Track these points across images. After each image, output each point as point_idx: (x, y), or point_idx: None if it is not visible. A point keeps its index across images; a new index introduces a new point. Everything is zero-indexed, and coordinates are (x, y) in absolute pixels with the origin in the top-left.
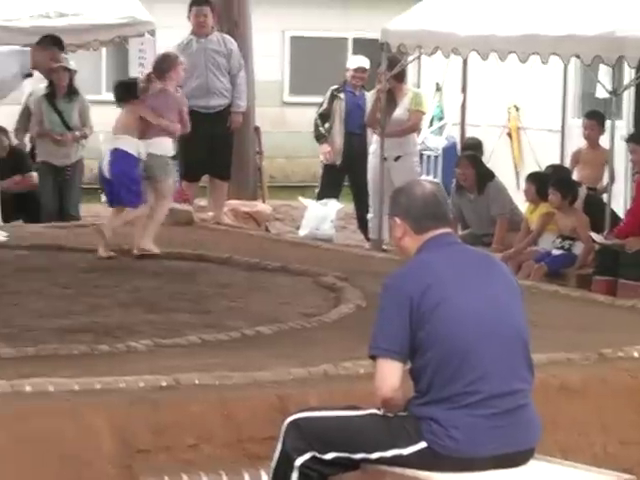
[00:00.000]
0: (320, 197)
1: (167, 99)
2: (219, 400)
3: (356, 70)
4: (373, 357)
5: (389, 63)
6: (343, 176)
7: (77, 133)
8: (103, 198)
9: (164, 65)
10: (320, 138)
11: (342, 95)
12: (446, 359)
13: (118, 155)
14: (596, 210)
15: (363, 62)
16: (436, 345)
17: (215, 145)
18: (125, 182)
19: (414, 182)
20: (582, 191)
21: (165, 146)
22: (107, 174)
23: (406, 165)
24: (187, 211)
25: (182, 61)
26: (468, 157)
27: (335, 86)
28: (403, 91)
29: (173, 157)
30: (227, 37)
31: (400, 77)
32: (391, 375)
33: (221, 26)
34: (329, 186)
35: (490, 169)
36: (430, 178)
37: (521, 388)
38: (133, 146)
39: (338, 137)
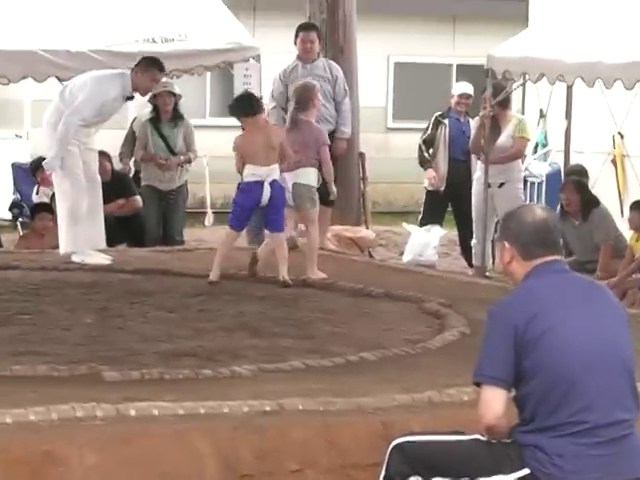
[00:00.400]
0: (423, 223)
1: (311, 132)
2: (323, 426)
3: (460, 96)
4: (478, 384)
5: (494, 89)
6: (446, 202)
7: (181, 157)
8: (206, 222)
9: (305, 95)
10: (424, 163)
11: (446, 121)
12: (551, 388)
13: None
14: None
15: (467, 88)
16: (541, 374)
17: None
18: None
19: (526, 207)
20: None
21: (311, 176)
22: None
23: (510, 192)
24: (290, 237)
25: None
26: (573, 182)
27: (439, 112)
28: (507, 117)
29: None
30: (333, 63)
31: (504, 104)
32: (495, 403)
33: (326, 51)
34: (432, 212)
35: (595, 195)
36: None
37: (626, 418)
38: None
39: (442, 163)
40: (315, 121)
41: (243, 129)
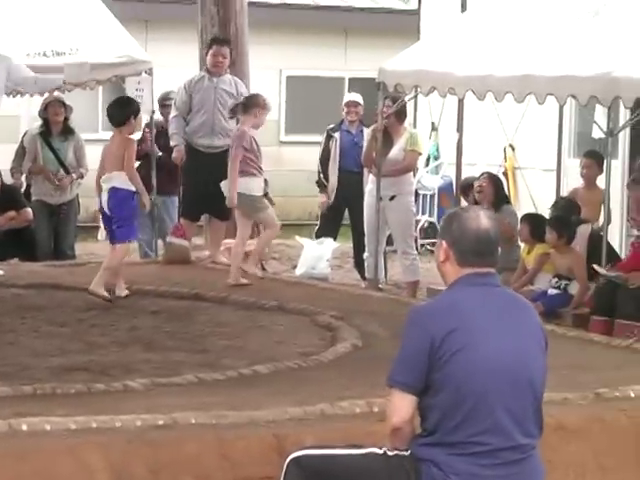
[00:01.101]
0: (319, 235)
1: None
2: (216, 439)
3: (347, 104)
4: (390, 386)
5: (392, 102)
6: (341, 214)
7: (74, 175)
8: (99, 236)
9: (251, 101)
10: (320, 186)
11: (337, 134)
12: (456, 405)
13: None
14: (600, 247)
15: (355, 97)
16: (449, 389)
17: (216, 185)
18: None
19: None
20: (586, 228)
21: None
22: None
23: (401, 204)
24: (184, 246)
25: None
26: (489, 174)
27: (331, 125)
28: (400, 131)
29: None
30: (239, 80)
31: (400, 116)
32: (403, 407)
33: None
34: (328, 225)
35: (506, 193)
36: (426, 217)
37: (528, 443)
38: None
39: (332, 176)
40: (212, 133)
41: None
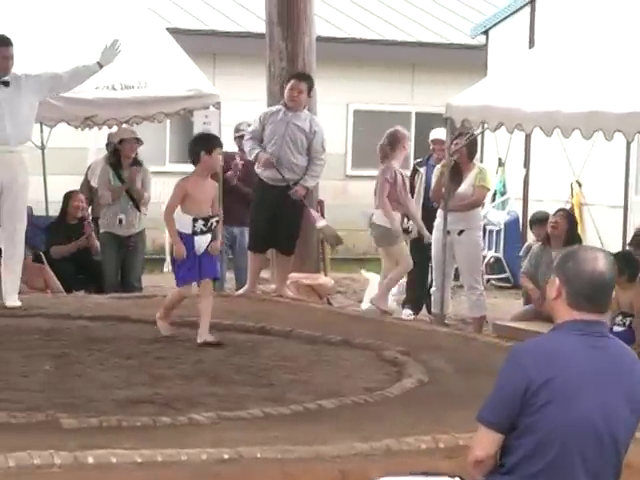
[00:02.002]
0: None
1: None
2: (281, 474)
3: (433, 142)
4: (479, 422)
5: (458, 136)
6: (426, 247)
7: (140, 189)
8: (165, 268)
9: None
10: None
11: (423, 169)
12: (540, 453)
13: None
14: None
15: (439, 134)
16: (534, 436)
17: (282, 218)
18: None
19: (590, 251)
20: None
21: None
22: None
23: (469, 239)
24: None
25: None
26: (565, 210)
27: (418, 159)
28: (470, 166)
29: None
30: (315, 118)
31: (470, 152)
32: (487, 444)
33: None
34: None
35: (579, 234)
36: (492, 252)
37: None
38: None
39: (417, 211)
40: (287, 168)
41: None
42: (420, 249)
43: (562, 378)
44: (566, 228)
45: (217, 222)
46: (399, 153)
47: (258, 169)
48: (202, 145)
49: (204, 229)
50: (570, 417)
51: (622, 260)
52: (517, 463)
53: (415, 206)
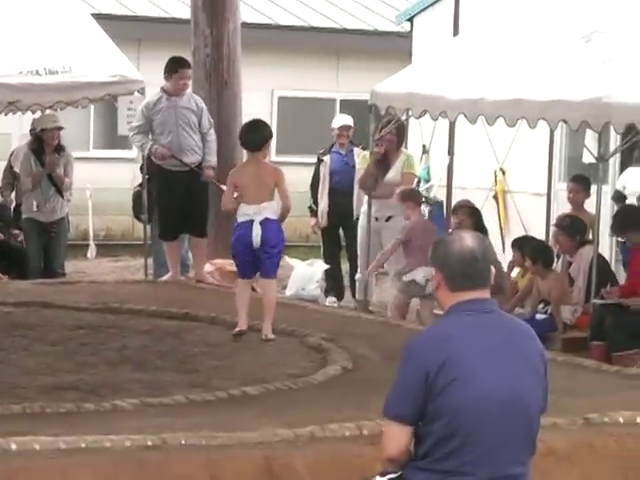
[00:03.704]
0: (325, 257)
1: None
2: (205, 460)
3: (340, 128)
4: (386, 417)
5: (387, 124)
6: (338, 235)
7: (59, 172)
8: (89, 254)
9: None
10: (311, 211)
11: (327, 157)
12: (449, 435)
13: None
14: (600, 269)
15: (347, 120)
16: (442, 419)
17: (190, 203)
18: None
19: (456, 235)
20: (589, 250)
21: None
22: None
23: (397, 225)
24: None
25: None
26: (468, 206)
27: (321, 150)
28: (397, 153)
29: None
30: (195, 96)
31: (398, 139)
32: (399, 438)
33: (210, 85)
34: (330, 247)
35: (485, 226)
36: None
37: (519, 472)
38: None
39: (322, 200)
40: (180, 152)
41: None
42: (333, 236)
43: (457, 357)
44: (471, 224)
45: None
46: None
47: (157, 161)
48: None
49: None
50: (473, 393)
51: (537, 249)
52: (429, 449)
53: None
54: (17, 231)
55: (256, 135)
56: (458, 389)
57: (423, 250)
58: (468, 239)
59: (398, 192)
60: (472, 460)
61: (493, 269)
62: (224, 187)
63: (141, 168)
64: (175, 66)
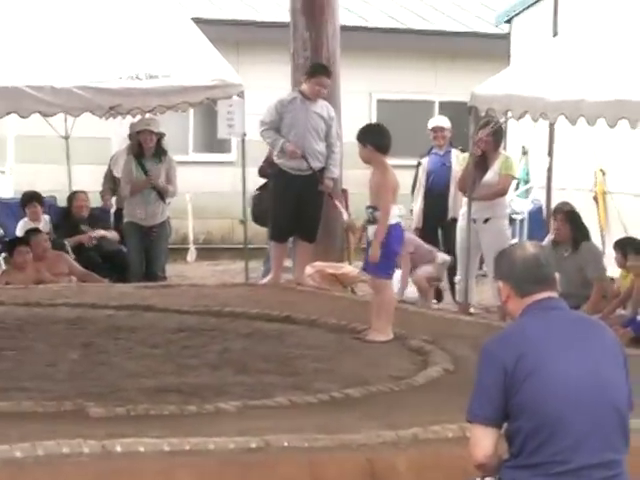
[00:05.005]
0: None
1: None
2: (308, 462)
3: (434, 129)
4: (470, 421)
5: (485, 125)
6: (434, 236)
7: (160, 182)
8: (189, 258)
9: None
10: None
11: (424, 160)
12: (537, 427)
13: None
14: None
15: (440, 121)
16: (527, 413)
17: (304, 207)
18: None
19: (516, 245)
20: None
21: None
22: None
23: (495, 227)
24: None
25: None
26: (565, 212)
27: (421, 154)
28: (495, 155)
29: None
30: (329, 105)
31: (496, 141)
32: (485, 442)
33: None
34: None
35: (586, 228)
36: (516, 241)
37: (614, 459)
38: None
39: (418, 201)
40: (310, 156)
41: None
42: (431, 238)
43: (533, 351)
44: (569, 230)
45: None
46: None
47: (280, 159)
48: None
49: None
50: (552, 385)
51: (634, 248)
52: (520, 446)
53: None
54: (102, 231)
55: (389, 139)
56: (535, 382)
57: None
58: (529, 246)
59: None
60: (563, 449)
61: (557, 275)
62: (338, 203)
63: (260, 170)
64: (314, 71)
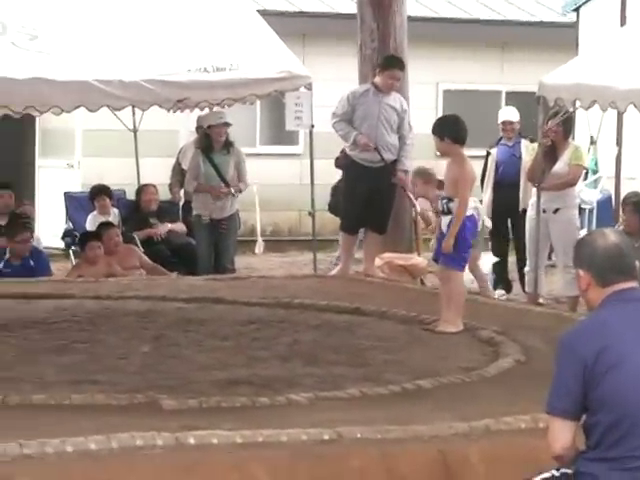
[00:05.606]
0: (493, 249)
1: None
2: (381, 454)
3: (504, 123)
4: (549, 414)
5: (554, 115)
6: (506, 227)
7: (232, 189)
8: (257, 250)
9: None
10: None
11: (494, 150)
12: (616, 421)
13: None
14: None
15: (510, 115)
16: (606, 407)
17: (376, 199)
18: None
19: (597, 232)
20: None
21: None
22: None
23: (565, 217)
24: None
25: None
26: (633, 203)
27: (490, 144)
28: (565, 145)
29: None
30: (402, 98)
31: (566, 131)
32: (563, 434)
33: None
34: (498, 239)
35: None
36: (584, 231)
37: None
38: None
39: (488, 192)
40: (383, 148)
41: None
42: (502, 228)
43: (614, 345)
44: (638, 221)
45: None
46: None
47: (352, 151)
48: None
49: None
50: (633, 377)
51: None
52: (599, 439)
53: None
54: (169, 225)
55: (466, 130)
56: (617, 376)
57: None
58: (610, 234)
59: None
60: None
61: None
62: (410, 195)
63: (336, 161)
64: (387, 64)
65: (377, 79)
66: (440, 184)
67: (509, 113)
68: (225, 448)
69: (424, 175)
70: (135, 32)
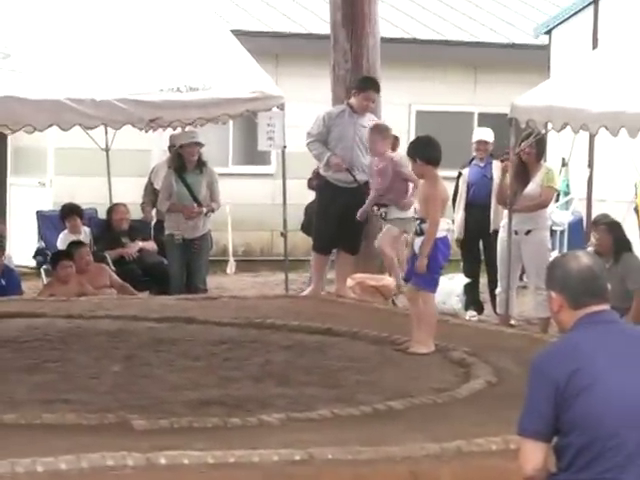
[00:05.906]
0: (465, 272)
1: None
2: (353, 475)
3: (478, 142)
4: (521, 435)
5: (527, 137)
6: (477, 248)
7: (205, 209)
8: (228, 270)
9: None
10: None
11: (465, 170)
12: (588, 444)
13: None
14: None
15: (484, 135)
16: (578, 429)
17: (349, 219)
18: None
19: (570, 255)
20: None
21: None
22: None
23: (538, 239)
24: None
25: None
26: (606, 223)
27: (462, 164)
28: (537, 167)
29: None
30: (375, 118)
31: (538, 153)
32: (534, 455)
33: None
34: (469, 260)
35: (627, 239)
36: (556, 253)
37: None
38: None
39: (459, 213)
40: (350, 168)
41: (417, 175)
42: (473, 249)
43: (586, 367)
44: (611, 241)
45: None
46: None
47: (326, 172)
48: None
49: (417, 230)
50: (605, 402)
51: None
52: (570, 461)
53: None
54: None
55: (439, 151)
56: (589, 398)
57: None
58: (583, 257)
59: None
60: (613, 467)
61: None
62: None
63: (308, 182)
64: (363, 85)
65: (352, 100)
66: (395, 141)
67: (484, 133)
68: (196, 468)
69: (383, 131)
70: (108, 51)
